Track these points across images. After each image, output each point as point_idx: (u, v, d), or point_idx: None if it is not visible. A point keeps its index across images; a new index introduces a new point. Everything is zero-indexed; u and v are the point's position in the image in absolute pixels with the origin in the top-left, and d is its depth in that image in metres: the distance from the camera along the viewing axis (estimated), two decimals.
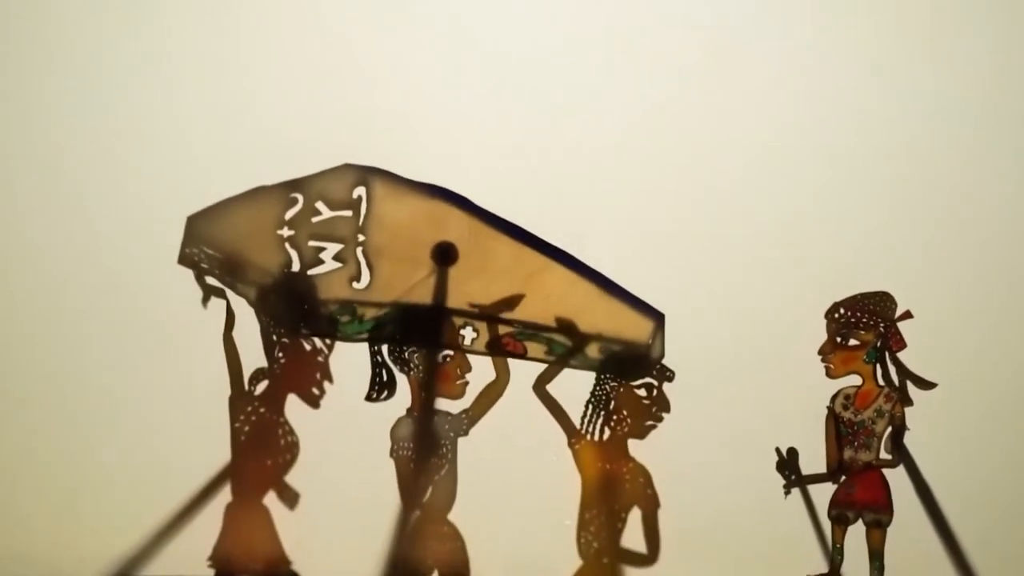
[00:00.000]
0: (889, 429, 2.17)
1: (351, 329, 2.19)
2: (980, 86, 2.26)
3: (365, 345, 2.19)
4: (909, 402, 2.17)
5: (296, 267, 2.17)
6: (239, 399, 2.14)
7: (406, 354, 2.18)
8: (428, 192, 2.16)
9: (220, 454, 2.14)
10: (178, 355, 2.20)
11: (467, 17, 2.28)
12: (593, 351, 2.19)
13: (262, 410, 2.14)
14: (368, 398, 2.18)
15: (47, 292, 2.24)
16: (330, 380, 2.17)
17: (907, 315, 2.17)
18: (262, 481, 2.14)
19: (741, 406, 2.20)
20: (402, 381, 2.20)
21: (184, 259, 2.17)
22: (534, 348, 2.19)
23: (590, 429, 2.17)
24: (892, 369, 2.18)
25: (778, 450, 2.21)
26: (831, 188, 2.26)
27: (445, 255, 2.16)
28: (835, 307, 2.19)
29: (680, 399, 2.18)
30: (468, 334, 2.19)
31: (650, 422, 2.17)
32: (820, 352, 2.19)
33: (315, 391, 2.16)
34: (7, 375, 2.23)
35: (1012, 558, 2.18)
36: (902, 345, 2.18)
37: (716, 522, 2.19)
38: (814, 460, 2.21)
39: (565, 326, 2.17)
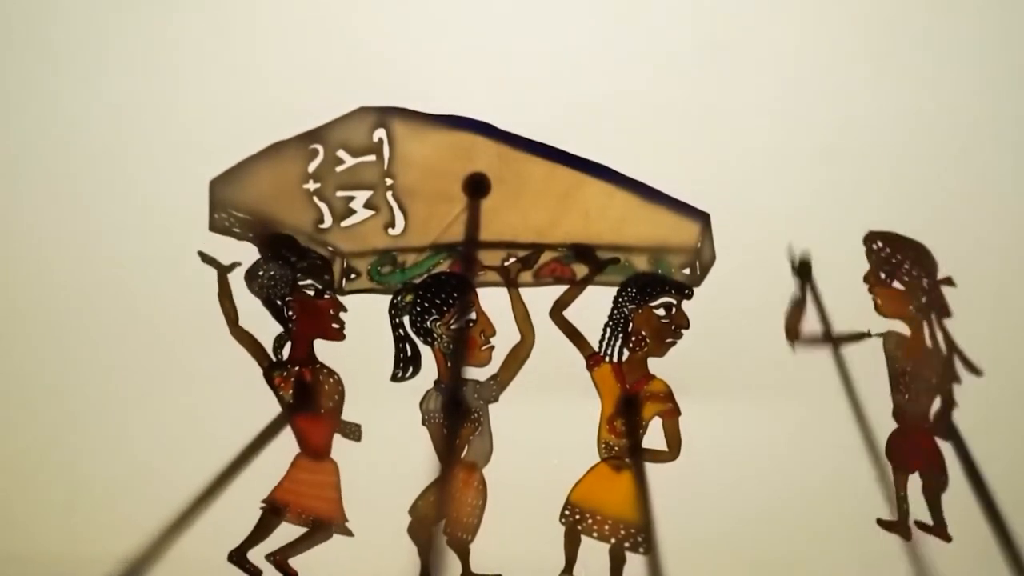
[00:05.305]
0: (938, 400, 2.07)
1: (395, 279, 2.12)
2: None
3: (387, 327, 2.12)
4: (957, 379, 2.07)
5: (328, 221, 2.09)
6: (271, 369, 2.10)
7: (428, 323, 2.10)
8: (450, 124, 2.07)
9: (222, 456, 2.06)
10: (182, 354, 2.11)
11: None
12: (642, 263, 2.13)
13: (296, 368, 2.10)
14: (394, 378, 2.10)
15: (50, 286, 2.13)
16: (343, 308, 2.11)
17: (948, 281, 2.08)
18: (323, 431, 2.11)
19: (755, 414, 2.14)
20: (427, 355, 2.12)
21: (215, 225, 2.07)
22: (582, 269, 2.13)
23: (608, 351, 2.13)
24: (940, 336, 2.07)
25: (791, 254, 2.10)
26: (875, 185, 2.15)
27: (478, 186, 2.08)
28: (872, 237, 2.07)
29: (695, 404, 2.12)
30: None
31: (670, 339, 2.12)
32: (865, 279, 2.09)
33: (335, 325, 2.11)
34: (7, 374, 2.14)
35: None
36: (947, 312, 2.07)
37: (726, 528, 2.14)
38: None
39: (610, 242, 2.11)
